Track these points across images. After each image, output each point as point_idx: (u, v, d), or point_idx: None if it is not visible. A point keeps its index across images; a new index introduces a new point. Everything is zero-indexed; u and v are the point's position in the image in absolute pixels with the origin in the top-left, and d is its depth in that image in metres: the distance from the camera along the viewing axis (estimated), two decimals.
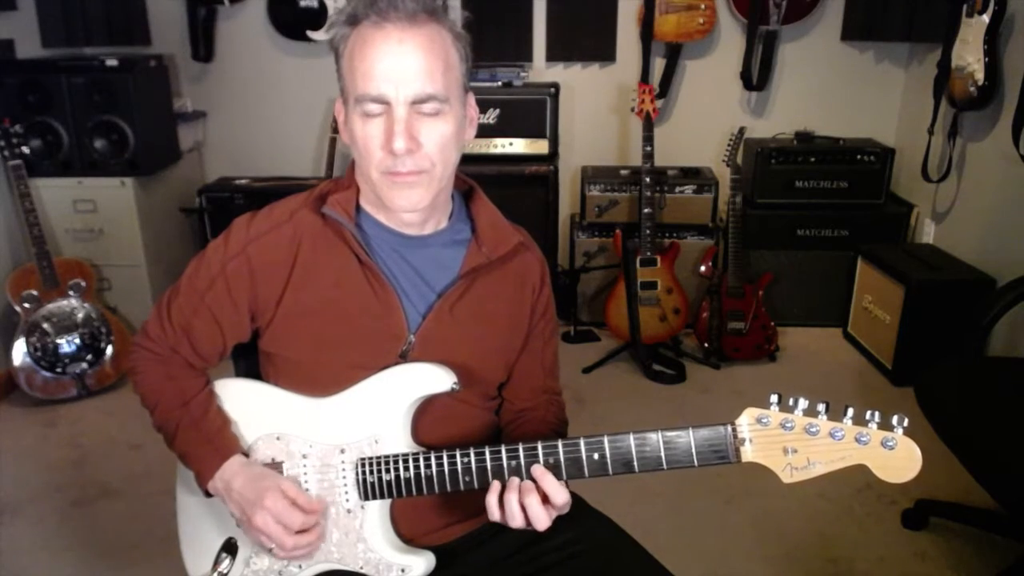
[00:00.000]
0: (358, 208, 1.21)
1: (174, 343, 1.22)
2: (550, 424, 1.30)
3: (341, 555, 1.18)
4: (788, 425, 1.00)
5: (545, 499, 1.07)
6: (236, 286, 1.18)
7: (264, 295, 1.18)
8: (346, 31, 1.10)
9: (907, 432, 0.98)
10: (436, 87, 1.08)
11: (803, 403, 1.00)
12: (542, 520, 1.06)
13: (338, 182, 1.23)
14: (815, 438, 0.99)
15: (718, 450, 1.03)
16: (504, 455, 1.09)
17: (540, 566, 1.22)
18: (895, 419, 0.98)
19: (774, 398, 1.01)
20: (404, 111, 1.07)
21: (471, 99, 1.18)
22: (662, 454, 1.04)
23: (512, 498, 1.06)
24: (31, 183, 3.02)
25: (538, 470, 1.07)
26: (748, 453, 1.02)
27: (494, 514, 1.08)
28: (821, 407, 1.00)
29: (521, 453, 1.08)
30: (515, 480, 1.08)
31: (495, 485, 1.08)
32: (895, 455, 0.97)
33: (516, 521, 1.07)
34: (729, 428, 1.03)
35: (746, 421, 1.02)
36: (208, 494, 1.19)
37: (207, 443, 1.18)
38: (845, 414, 0.99)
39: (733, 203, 3.28)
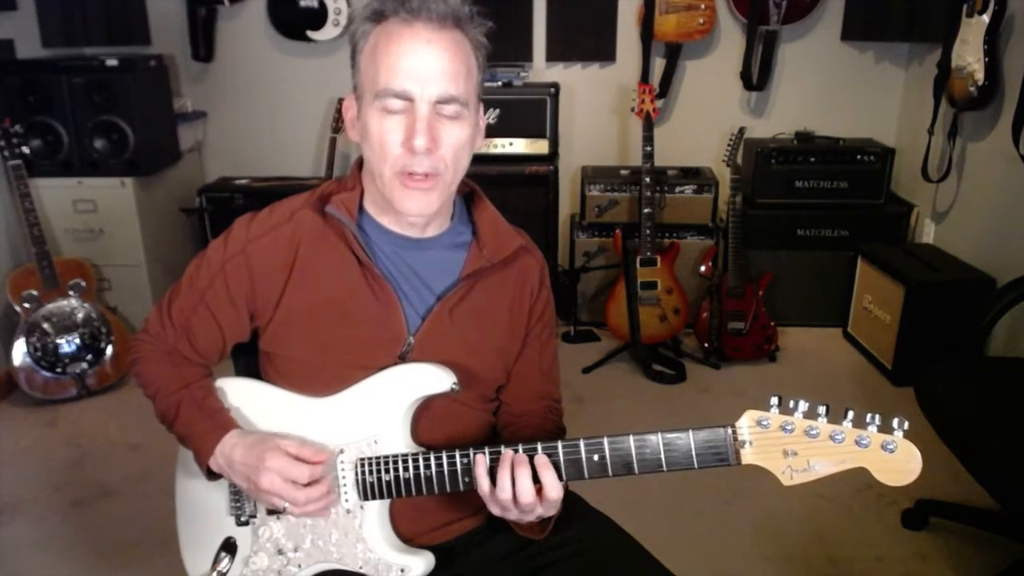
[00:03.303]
0: (361, 209, 1.21)
1: (174, 341, 1.24)
2: (547, 432, 1.29)
3: (340, 555, 1.18)
4: (788, 428, 1.00)
5: (539, 490, 1.06)
6: (235, 285, 1.18)
7: (263, 295, 1.18)
8: (368, 27, 1.10)
9: (907, 435, 0.98)
10: (459, 90, 1.09)
11: (803, 405, 1.00)
12: (527, 494, 1.05)
13: (341, 183, 1.23)
14: (815, 441, 0.99)
15: (718, 452, 1.03)
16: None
17: (539, 565, 1.22)
18: (895, 422, 0.98)
19: (774, 400, 1.01)
20: (427, 109, 1.08)
21: (481, 108, 1.19)
22: (662, 456, 1.04)
23: (504, 473, 1.06)
24: (31, 183, 3.02)
25: (541, 460, 1.07)
26: (748, 455, 1.02)
27: (483, 486, 1.08)
28: (821, 409, 1.00)
29: (521, 453, 1.08)
30: (508, 454, 1.07)
31: (479, 459, 1.08)
32: (895, 458, 0.97)
33: (505, 493, 1.06)
34: (729, 430, 1.03)
35: (746, 423, 1.02)
36: (210, 475, 1.19)
37: (208, 419, 1.19)
38: (845, 417, 0.99)
39: (733, 203, 3.28)
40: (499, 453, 1.08)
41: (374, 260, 1.17)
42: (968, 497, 2.28)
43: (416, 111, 1.07)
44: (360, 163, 1.22)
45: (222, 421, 1.19)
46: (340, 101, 3.51)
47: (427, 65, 1.07)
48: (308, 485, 1.12)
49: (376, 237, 1.20)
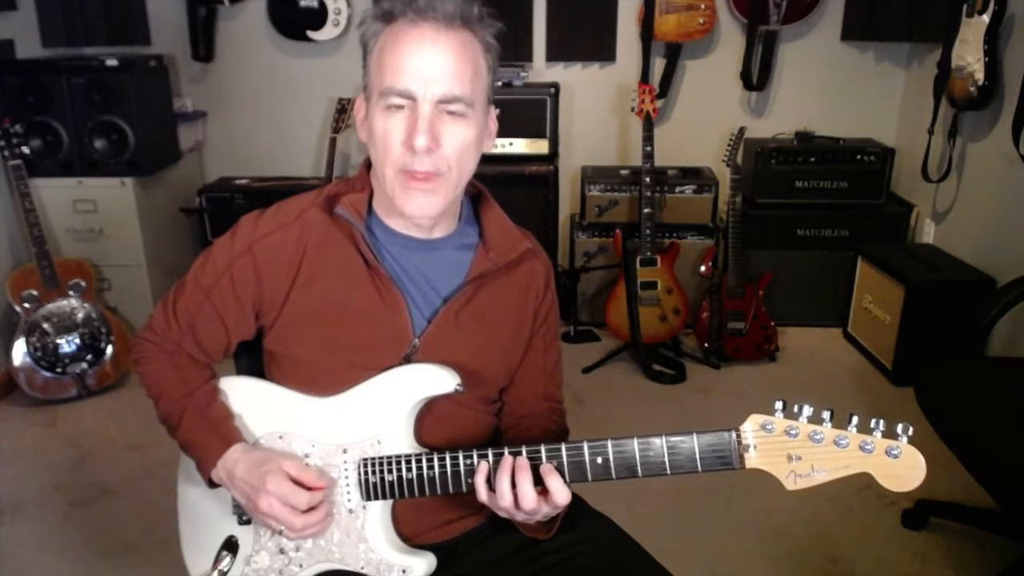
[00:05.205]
0: (370, 211, 1.20)
1: (178, 338, 1.23)
2: (551, 432, 1.29)
3: (342, 555, 1.18)
4: (792, 432, 1.00)
5: (545, 493, 1.06)
6: (241, 284, 1.18)
7: (269, 294, 1.18)
8: (378, 27, 1.10)
9: (911, 440, 0.98)
10: (463, 90, 1.08)
11: (808, 410, 1.00)
12: (530, 500, 1.05)
13: (350, 183, 1.22)
14: (819, 445, 0.99)
15: (722, 456, 1.03)
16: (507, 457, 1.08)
17: (541, 566, 1.22)
18: (900, 428, 0.98)
19: (779, 404, 1.00)
20: (429, 109, 1.07)
21: (492, 112, 1.18)
22: (666, 459, 1.04)
23: (504, 479, 1.06)
24: (31, 183, 3.02)
25: (546, 468, 1.06)
26: (752, 459, 1.02)
27: (482, 495, 1.08)
28: (826, 414, 0.99)
29: (524, 455, 1.08)
30: (508, 460, 1.07)
31: (482, 466, 1.08)
32: (899, 464, 0.97)
33: (505, 500, 1.05)
34: (733, 434, 1.02)
35: (750, 427, 1.02)
36: (211, 484, 1.19)
37: (211, 431, 1.18)
38: (850, 422, 0.99)
39: (733, 203, 3.28)
40: (502, 455, 1.08)
41: (381, 261, 1.17)
42: (968, 497, 2.28)
43: (418, 110, 1.07)
44: (369, 164, 1.21)
45: (225, 433, 1.19)
46: (340, 101, 3.52)
47: (431, 64, 1.06)
48: (307, 511, 1.12)
49: (383, 238, 1.20)
